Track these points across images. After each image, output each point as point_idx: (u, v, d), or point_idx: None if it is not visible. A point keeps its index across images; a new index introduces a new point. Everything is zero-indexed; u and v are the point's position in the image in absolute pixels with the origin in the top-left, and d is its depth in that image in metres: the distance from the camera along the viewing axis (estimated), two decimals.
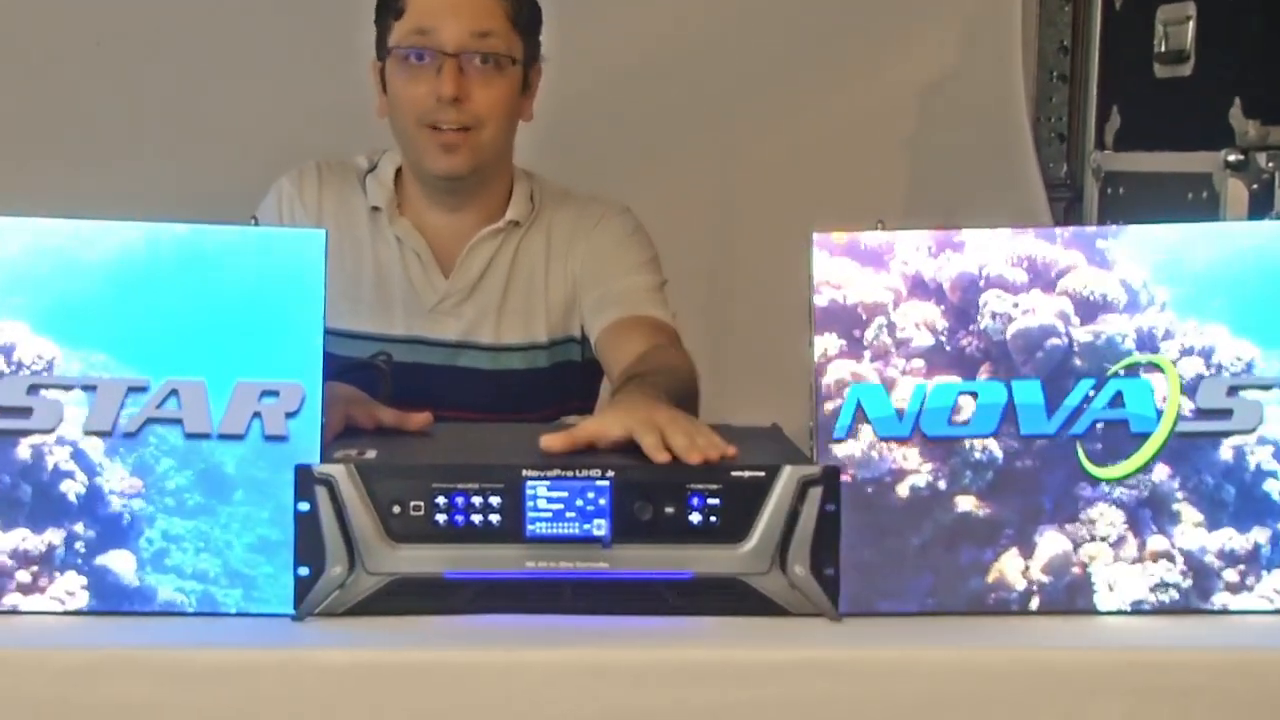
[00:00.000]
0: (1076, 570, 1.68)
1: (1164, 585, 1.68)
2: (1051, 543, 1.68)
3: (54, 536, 1.63)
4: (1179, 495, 1.69)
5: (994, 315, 1.68)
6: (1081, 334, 1.68)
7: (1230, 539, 1.69)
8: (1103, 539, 1.68)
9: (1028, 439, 1.68)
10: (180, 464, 1.64)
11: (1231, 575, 1.69)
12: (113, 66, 3.06)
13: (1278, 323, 1.70)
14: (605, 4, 3.09)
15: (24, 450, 1.63)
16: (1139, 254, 1.69)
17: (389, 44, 2.29)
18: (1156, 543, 1.68)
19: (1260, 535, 1.69)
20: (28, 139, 3.03)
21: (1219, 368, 1.69)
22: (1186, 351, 1.69)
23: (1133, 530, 1.68)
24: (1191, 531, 1.69)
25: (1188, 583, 1.68)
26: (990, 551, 1.68)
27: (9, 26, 3.04)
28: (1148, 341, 1.69)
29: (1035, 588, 1.68)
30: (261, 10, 3.09)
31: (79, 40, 3.05)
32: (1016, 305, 1.68)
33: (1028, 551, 1.68)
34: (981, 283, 1.68)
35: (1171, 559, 1.68)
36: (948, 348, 1.68)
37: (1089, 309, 1.69)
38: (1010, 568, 1.68)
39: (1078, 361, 1.69)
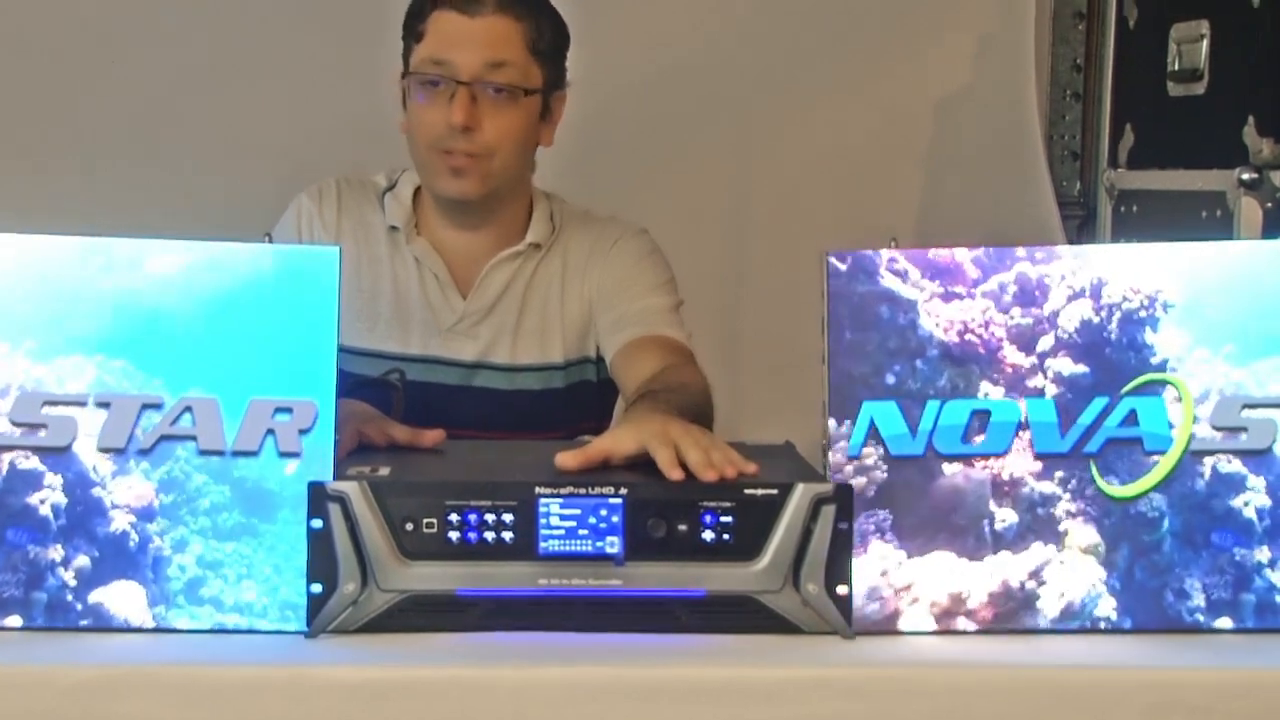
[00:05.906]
0: None
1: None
2: None
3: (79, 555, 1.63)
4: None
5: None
6: None
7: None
8: None
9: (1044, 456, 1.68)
10: (215, 479, 1.65)
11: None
12: (129, 82, 3.06)
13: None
14: (620, 20, 3.09)
15: (33, 466, 1.64)
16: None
17: (409, 66, 2.30)
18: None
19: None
20: (42, 153, 3.04)
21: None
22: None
23: None
24: None
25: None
26: None
27: (28, 41, 3.05)
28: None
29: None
30: (280, 25, 3.09)
31: (96, 56, 3.06)
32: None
33: None
34: None
35: None
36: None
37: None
38: None
39: None
